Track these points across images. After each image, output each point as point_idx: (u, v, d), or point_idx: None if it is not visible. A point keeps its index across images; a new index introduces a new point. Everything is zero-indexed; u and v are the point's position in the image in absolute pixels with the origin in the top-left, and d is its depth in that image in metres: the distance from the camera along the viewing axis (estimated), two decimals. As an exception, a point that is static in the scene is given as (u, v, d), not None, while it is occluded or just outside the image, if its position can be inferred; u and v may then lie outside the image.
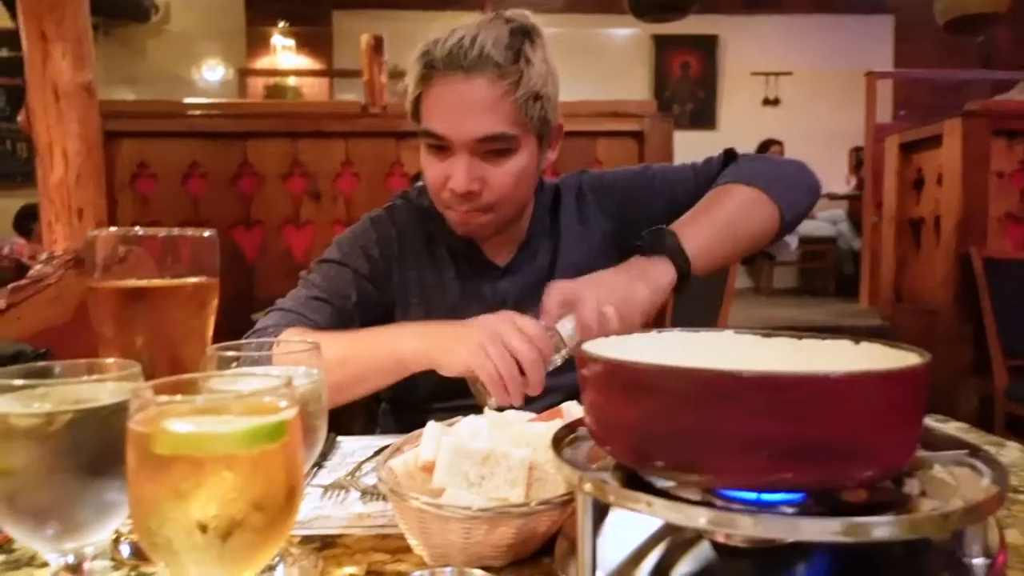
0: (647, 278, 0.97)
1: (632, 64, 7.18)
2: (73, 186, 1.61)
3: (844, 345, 0.60)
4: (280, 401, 0.46)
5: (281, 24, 7.21)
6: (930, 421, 1.05)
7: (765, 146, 6.60)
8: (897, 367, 0.46)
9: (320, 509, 0.77)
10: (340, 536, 0.71)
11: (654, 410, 0.48)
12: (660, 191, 1.23)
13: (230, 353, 0.60)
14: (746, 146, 6.62)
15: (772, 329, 0.66)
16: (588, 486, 0.50)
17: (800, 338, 0.63)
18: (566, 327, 0.92)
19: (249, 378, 0.51)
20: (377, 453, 0.91)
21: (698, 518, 0.46)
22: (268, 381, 0.48)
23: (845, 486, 0.49)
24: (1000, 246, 3.69)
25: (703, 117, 7.33)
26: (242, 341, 0.65)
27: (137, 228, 0.66)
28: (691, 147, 6.89)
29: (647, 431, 0.49)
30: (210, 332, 0.69)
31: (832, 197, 6.76)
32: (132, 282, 0.65)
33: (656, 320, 1.18)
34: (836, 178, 6.98)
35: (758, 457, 0.45)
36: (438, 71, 1.04)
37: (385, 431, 1.29)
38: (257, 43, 7.23)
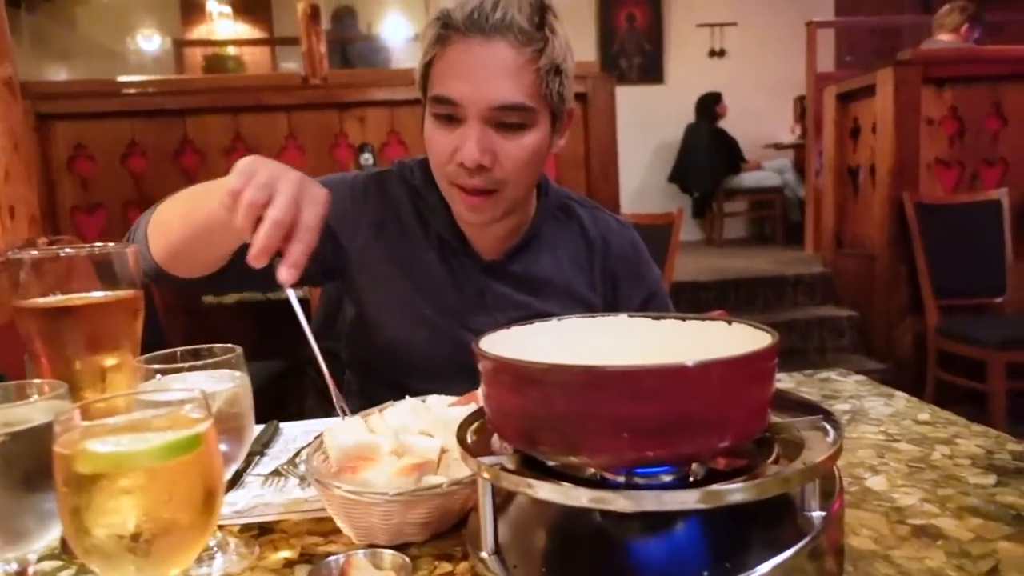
0: None
1: (578, 19, 7.11)
2: (2, 183, 1.59)
3: (720, 326, 0.66)
4: (195, 413, 0.51)
5: (216, -10, 6.99)
6: (831, 382, 1.14)
7: (707, 99, 6.65)
8: (740, 353, 0.52)
9: (260, 497, 0.83)
10: (278, 522, 0.76)
11: (536, 401, 0.54)
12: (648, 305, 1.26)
13: (154, 366, 0.65)
14: (693, 99, 6.64)
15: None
16: (485, 473, 0.56)
17: (684, 320, 0.70)
18: None
19: (170, 391, 0.56)
20: (317, 438, 0.97)
21: (580, 497, 0.53)
22: (183, 395, 0.52)
23: (705, 457, 0.56)
24: (931, 191, 3.85)
25: (651, 71, 7.34)
26: (167, 351, 0.69)
27: (61, 249, 0.69)
28: (641, 102, 6.89)
29: (531, 420, 0.55)
30: (138, 341, 0.73)
31: (778, 147, 6.90)
32: (57, 300, 0.68)
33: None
34: (782, 127, 7.12)
35: (625, 439, 0.52)
36: (456, 33, 0.99)
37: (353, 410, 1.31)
38: (192, 11, 7.00)
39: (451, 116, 1.02)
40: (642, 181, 7.07)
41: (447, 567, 0.65)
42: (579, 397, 0.52)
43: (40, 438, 0.52)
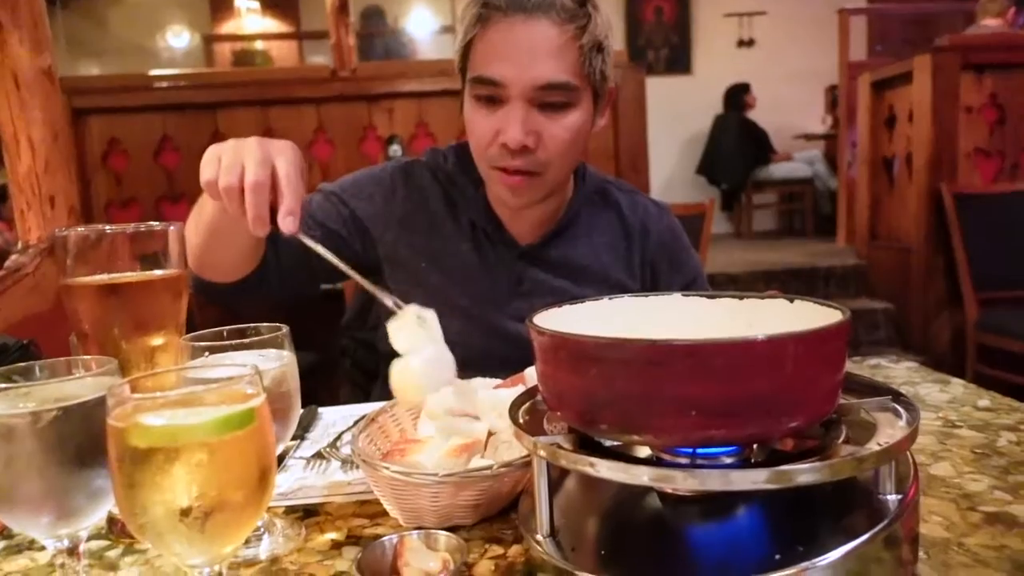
0: None
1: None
2: (42, 174, 1.61)
3: (780, 304, 0.64)
4: (248, 388, 0.50)
5: (244, -14, 7.03)
6: (881, 368, 1.11)
7: (735, 90, 6.55)
8: (812, 328, 0.50)
9: (303, 480, 0.82)
10: (322, 504, 0.75)
11: (596, 378, 0.52)
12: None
13: (202, 344, 0.64)
14: (722, 90, 6.54)
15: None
16: (542, 451, 0.55)
17: (742, 298, 0.67)
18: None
19: (220, 367, 0.55)
20: (356, 422, 0.96)
21: (641, 476, 0.50)
22: (236, 370, 0.51)
23: (774, 438, 0.54)
24: (970, 181, 3.75)
25: (678, 62, 7.26)
26: (214, 330, 0.68)
27: (106, 227, 0.68)
28: (668, 93, 6.79)
29: (591, 397, 0.53)
30: (183, 321, 0.72)
31: (809, 137, 6.78)
32: (105, 278, 0.68)
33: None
34: (812, 118, 6.99)
35: (691, 417, 0.49)
36: (497, 12, 0.97)
37: (384, 398, 1.31)
38: (221, 7, 7.06)
39: (493, 97, 1.00)
40: (669, 173, 7.00)
41: (498, 550, 0.63)
42: (643, 373, 0.49)
43: (91, 413, 0.51)
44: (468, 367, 1.06)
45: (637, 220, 1.22)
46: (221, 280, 1.04)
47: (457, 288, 1.14)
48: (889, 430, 0.54)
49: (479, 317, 1.14)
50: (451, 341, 1.14)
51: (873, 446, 0.51)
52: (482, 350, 1.11)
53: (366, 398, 1.40)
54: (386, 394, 1.23)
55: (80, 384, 0.54)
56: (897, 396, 0.59)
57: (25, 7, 1.58)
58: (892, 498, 0.52)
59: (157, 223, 0.71)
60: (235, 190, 0.76)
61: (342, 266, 0.79)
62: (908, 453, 0.56)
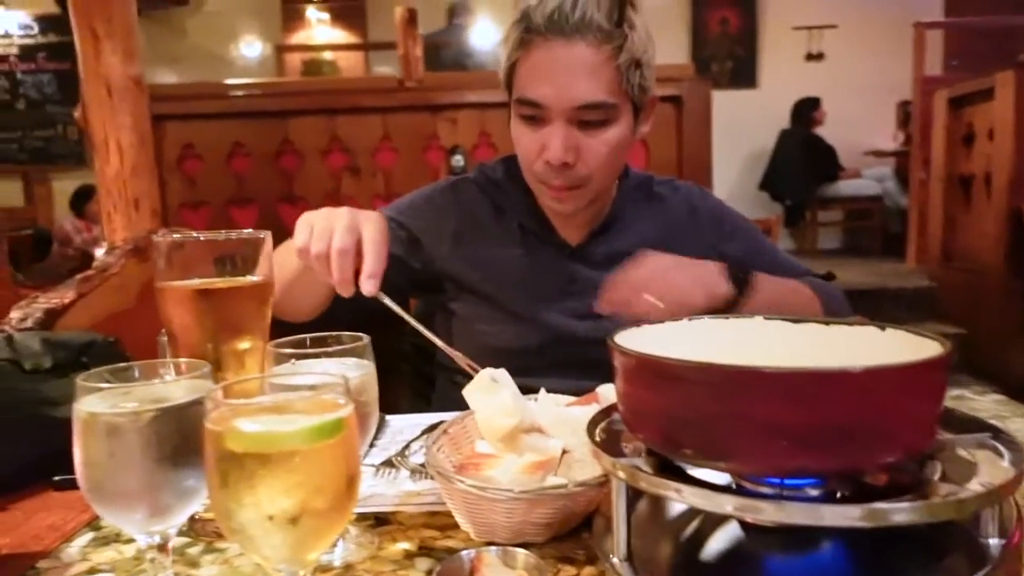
0: (710, 289, 0.99)
1: (668, 22, 7.00)
2: (129, 178, 1.69)
3: (870, 331, 0.62)
4: (338, 398, 0.51)
5: (315, -1, 7.23)
6: (964, 400, 1.06)
7: (804, 105, 6.41)
8: (914, 360, 0.48)
9: (373, 487, 0.83)
10: (393, 513, 0.76)
11: (681, 401, 0.51)
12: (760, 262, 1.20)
13: (287, 351, 0.65)
14: (787, 104, 6.39)
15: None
16: (622, 473, 0.54)
17: (828, 324, 0.65)
18: None
19: (308, 376, 0.56)
20: (424, 431, 0.97)
21: (725, 504, 0.49)
22: (326, 379, 0.52)
23: (867, 471, 0.52)
24: (1055, 203, 3.58)
25: (743, 75, 7.14)
26: (298, 337, 0.69)
27: (197, 234, 0.71)
28: (732, 107, 6.68)
29: (675, 421, 0.52)
30: (268, 327, 0.74)
31: (878, 154, 6.58)
32: (197, 283, 0.70)
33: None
34: (882, 134, 6.78)
35: (780, 446, 0.48)
36: (538, 36, 1.02)
37: (443, 408, 1.33)
38: (292, 18, 7.28)
39: (535, 116, 1.05)
40: (731, 189, 6.87)
41: (571, 570, 0.63)
42: (734, 399, 0.49)
43: (187, 415, 0.53)
44: (523, 371, 1.08)
45: (682, 203, 1.25)
46: (297, 321, 1.08)
47: (510, 293, 1.18)
48: (991, 470, 0.51)
49: (532, 319, 1.17)
50: (506, 344, 1.17)
51: (976, 487, 0.49)
52: (537, 351, 1.15)
53: (426, 404, 1.42)
54: (445, 402, 1.25)
55: (175, 387, 0.56)
56: (997, 433, 0.56)
57: (120, 18, 1.66)
58: (995, 542, 0.50)
59: (248, 231, 0.73)
60: (324, 257, 0.83)
61: (419, 327, 0.88)
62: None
